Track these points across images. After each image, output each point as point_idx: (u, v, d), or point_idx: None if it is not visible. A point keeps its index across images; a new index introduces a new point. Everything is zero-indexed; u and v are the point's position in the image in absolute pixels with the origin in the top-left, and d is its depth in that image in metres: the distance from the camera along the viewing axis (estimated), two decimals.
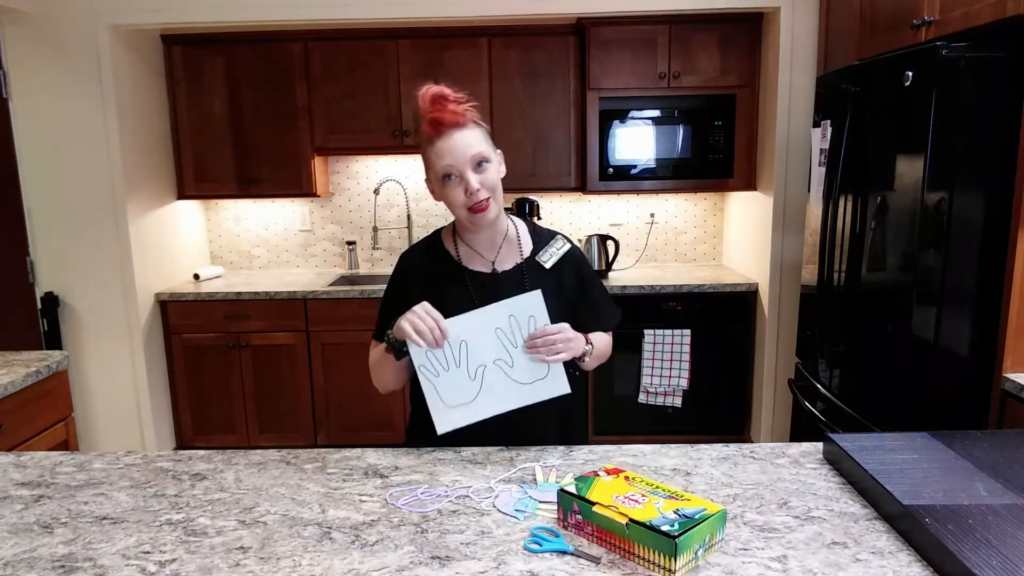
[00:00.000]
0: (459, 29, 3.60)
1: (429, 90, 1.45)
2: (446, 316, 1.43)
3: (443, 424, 1.44)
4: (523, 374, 1.44)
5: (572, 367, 1.57)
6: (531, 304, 1.42)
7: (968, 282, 2.01)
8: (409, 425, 1.68)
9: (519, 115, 3.70)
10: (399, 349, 1.44)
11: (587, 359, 1.52)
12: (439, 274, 1.56)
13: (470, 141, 1.44)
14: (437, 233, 1.64)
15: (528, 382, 1.44)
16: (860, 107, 2.32)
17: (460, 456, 1.48)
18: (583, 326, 1.57)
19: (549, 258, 1.58)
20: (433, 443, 1.52)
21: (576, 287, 1.60)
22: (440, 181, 1.46)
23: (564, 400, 1.50)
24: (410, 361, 1.47)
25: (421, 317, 1.39)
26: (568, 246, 1.61)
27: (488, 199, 1.45)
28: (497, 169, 1.49)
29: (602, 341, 1.63)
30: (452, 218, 1.56)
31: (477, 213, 1.46)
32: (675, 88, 3.57)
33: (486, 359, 1.43)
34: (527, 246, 1.59)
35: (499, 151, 1.53)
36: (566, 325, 1.45)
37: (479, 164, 1.45)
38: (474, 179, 1.44)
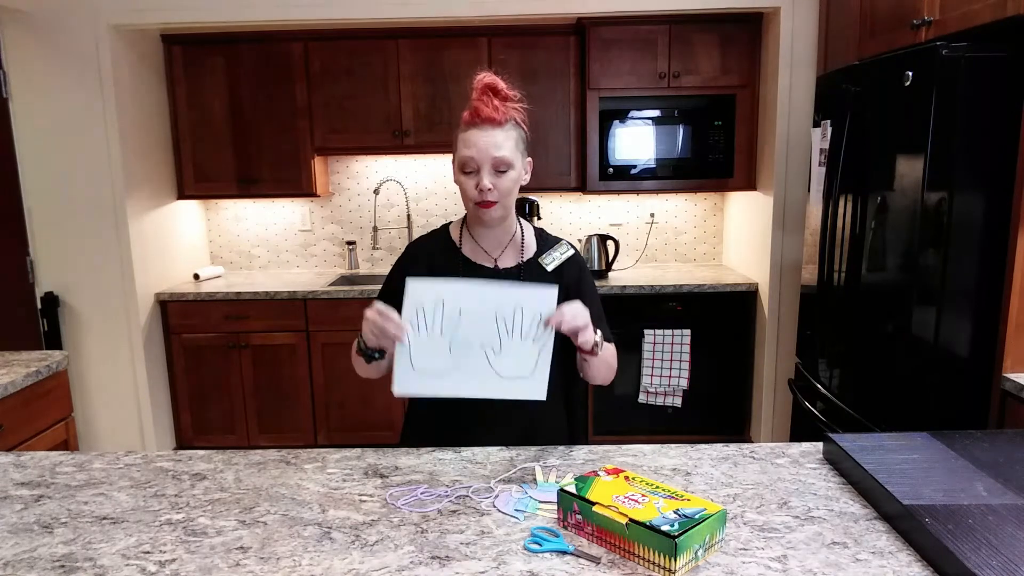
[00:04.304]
0: (459, 29, 3.60)
1: (484, 78, 1.48)
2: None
3: (402, 385, 1.37)
4: (506, 367, 1.37)
5: (573, 377, 1.57)
6: (544, 300, 1.36)
7: (968, 282, 2.01)
8: (404, 426, 1.69)
9: None
10: (368, 355, 1.46)
11: (598, 351, 1.45)
12: (440, 261, 1.59)
13: (499, 142, 1.46)
14: (445, 226, 1.66)
15: (508, 376, 1.37)
16: (860, 107, 2.32)
17: (460, 456, 1.48)
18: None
19: (552, 261, 1.60)
20: (427, 444, 1.52)
21: (574, 287, 1.59)
22: (459, 168, 1.49)
23: (540, 404, 1.48)
24: (385, 362, 1.49)
25: (374, 320, 1.36)
26: (572, 252, 1.63)
27: (495, 203, 1.48)
28: (516, 177, 1.51)
29: (608, 348, 1.56)
30: (455, 216, 1.58)
31: (481, 208, 1.50)
32: (675, 88, 3.57)
33: (474, 340, 1.36)
34: (531, 248, 1.61)
35: (529, 159, 1.55)
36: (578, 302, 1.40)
37: (499, 168, 1.47)
38: (488, 179, 1.46)
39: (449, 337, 1.36)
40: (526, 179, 1.55)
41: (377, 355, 1.46)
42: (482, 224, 1.55)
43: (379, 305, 1.38)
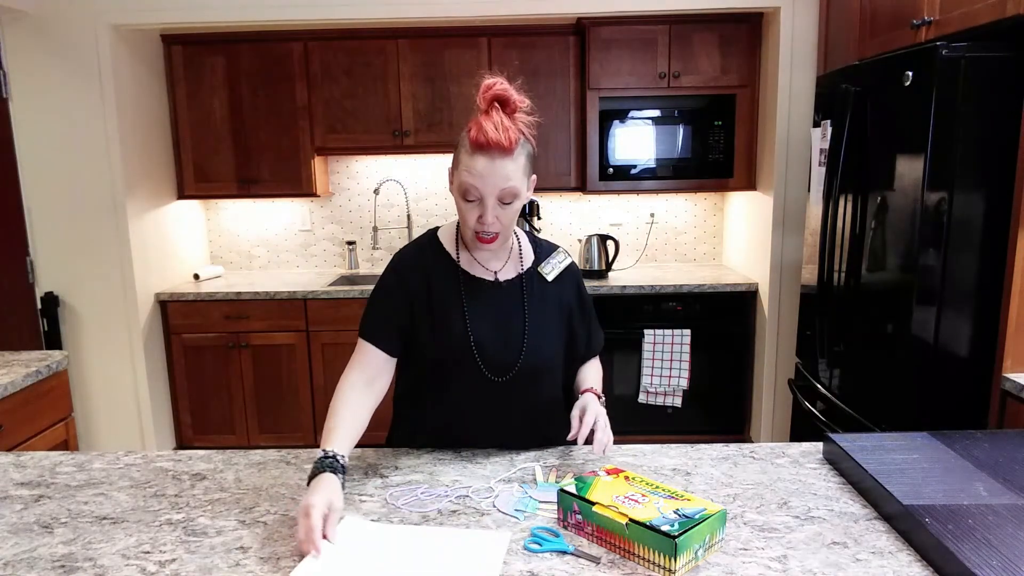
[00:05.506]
0: (459, 29, 3.60)
1: (493, 87, 1.34)
2: (443, 318, 1.43)
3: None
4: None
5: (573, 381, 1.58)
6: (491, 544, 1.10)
7: (968, 282, 2.01)
8: (391, 430, 1.67)
9: None
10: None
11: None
12: (439, 275, 1.48)
13: (508, 173, 1.33)
14: (433, 234, 1.54)
15: None
16: (860, 107, 2.32)
17: (460, 456, 1.48)
18: (577, 348, 1.58)
19: (551, 270, 1.54)
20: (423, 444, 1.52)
21: (576, 301, 1.58)
22: (460, 190, 1.37)
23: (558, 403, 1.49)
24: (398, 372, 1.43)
25: (299, 533, 1.12)
26: (570, 260, 1.59)
27: (496, 235, 1.40)
28: (521, 203, 1.40)
29: (599, 378, 1.62)
30: (455, 216, 1.51)
31: (481, 242, 1.41)
32: (675, 88, 3.57)
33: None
34: (529, 257, 1.55)
35: (533, 176, 1.44)
36: (592, 411, 1.40)
37: (504, 200, 1.36)
38: (492, 212, 1.35)
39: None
40: (529, 195, 1.44)
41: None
42: (477, 251, 1.49)
43: (312, 507, 1.12)
